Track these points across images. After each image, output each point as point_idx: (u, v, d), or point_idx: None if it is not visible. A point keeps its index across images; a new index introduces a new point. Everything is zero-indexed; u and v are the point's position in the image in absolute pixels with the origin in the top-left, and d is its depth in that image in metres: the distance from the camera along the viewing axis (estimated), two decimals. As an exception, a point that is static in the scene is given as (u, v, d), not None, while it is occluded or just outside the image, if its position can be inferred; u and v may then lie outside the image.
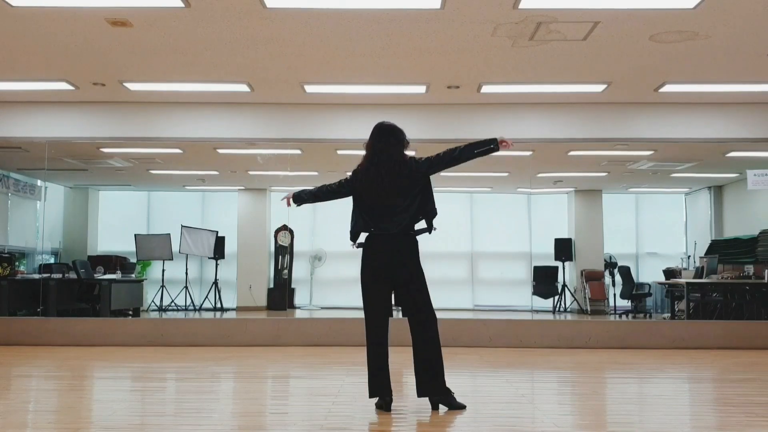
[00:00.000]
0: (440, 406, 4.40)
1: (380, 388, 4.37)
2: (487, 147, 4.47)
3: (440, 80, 7.59)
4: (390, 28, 6.02)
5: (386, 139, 4.51)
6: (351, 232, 4.56)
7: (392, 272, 4.43)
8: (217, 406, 4.82)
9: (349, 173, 4.64)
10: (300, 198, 4.69)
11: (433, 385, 4.37)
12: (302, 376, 6.28)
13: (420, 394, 4.40)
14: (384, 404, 4.34)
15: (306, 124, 8.66)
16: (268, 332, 8.59)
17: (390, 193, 4.42)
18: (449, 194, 13.78)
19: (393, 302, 4.60)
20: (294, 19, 5.84)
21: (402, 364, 6.20)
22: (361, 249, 4.53)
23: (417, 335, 4.41)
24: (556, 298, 13.36)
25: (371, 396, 4.40)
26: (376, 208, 4.45)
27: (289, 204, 4.70)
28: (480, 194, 14.58)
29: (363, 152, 4.65)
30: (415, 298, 4.42)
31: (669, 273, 12.30)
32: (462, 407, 4.37)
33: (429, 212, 4.48)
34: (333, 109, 8.64)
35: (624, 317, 12.53)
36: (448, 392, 4.39)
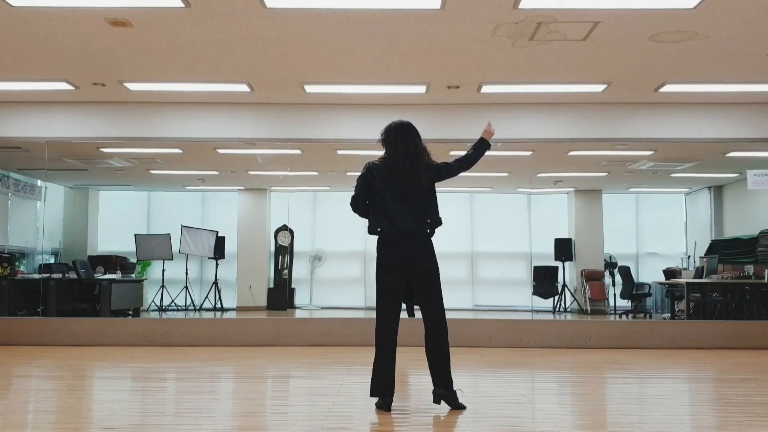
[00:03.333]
0: (442, 402, 4.41)
1: (383, 387, 4.37)
2: (484, 152, 4.73)
3: (440, 80, 7.59)
4: (390, 28, 6.02)
5: (415, 141, 4.53)
6: (369, 226, 4.56)
7: (410, 265, 4.43)
8: (217, 406, 4.83)
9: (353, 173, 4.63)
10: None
11: (439, 379, 4.41)
12: (302, 376, 6.28)
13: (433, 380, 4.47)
14: (384, 404, 4.34)
15: (306, 124, 8.66)
16: (268, 332, 8.59)
17: (413, 193, 4.45)
18: (449, 194, 13.77)
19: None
20: (294, 19, 5.84)
21: (403, 364, 6.19)
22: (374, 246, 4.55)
23: (432, 330, 4.44)
24: (556, 298, 13.36)
25: (372, 395, 4.40)
26: (396, 206, 4.45)
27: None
28: (480, 194, 14.58)
29: (363, 152, 4.65)
30: (430, 295, 4.45)
31: (669, 273, 12.30)
32: (462, 407, 4.37)
33: (434, 220, 4.51)
34: (333, 109, 8.64)
35: (624, 317, 12.53)
36: (453, 391, 4.40)
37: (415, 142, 4.53)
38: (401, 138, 4.52)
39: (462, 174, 4.70)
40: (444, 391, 4.40)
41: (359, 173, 4.58)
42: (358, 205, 4.58)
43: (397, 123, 4.60)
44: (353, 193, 4.59)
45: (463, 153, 4.73)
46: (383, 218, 4.48)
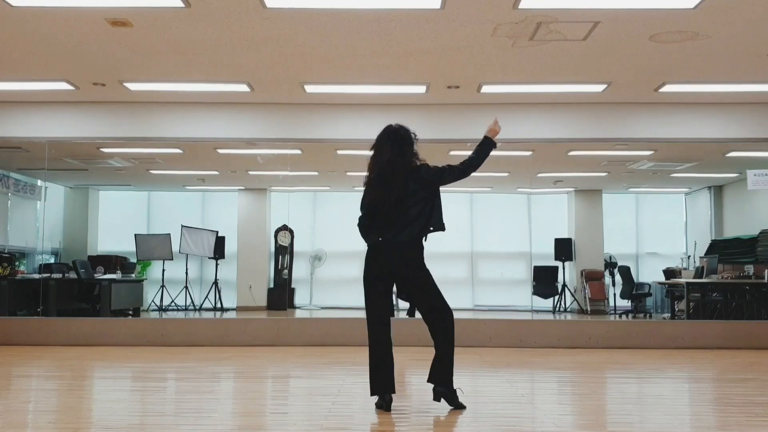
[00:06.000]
0: (442, 400, 4.41)
1: (382, 385, 4.37)
2: (489, 151, 4.59)
3: (440, 80, 7.59)
4: (390, 28, 6.02)
5: (399, 147, 4.45)
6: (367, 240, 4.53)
7: (396, 277, 4.44)
8: (217, 406, 4.82)
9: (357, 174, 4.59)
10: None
11: (439, 375, 4.40)
12: (302, 376, 6.28)
13: (429, 379, 4.45)
14: (384, 404, 4.34)
15: (306, 124, 8.66)
16: (268, 332, 8.59)
17: (401, 201, 4.39)
18: (449, 194, 13.73)
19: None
20: (294, 19, 5.84)
21: (403, 364, 6.20)
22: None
23: (435, 331, 4.44)
24: (556, 298, 13.36)
25: (373, 394, 4.40)
26: (386, 216, 4.42)
27: None
28: (480, 194, 14.58)
29: (363, 152, 4.62)
30: (429, 301, 4.44)
31: (669, 273, 12.30)
32: (462, 407, 4.37)
33: (436, 225, 4.47)
34: (333, 109, 8.64)
35: (624, 317, 12.53)
36: (453, 390, 4.40)
37: (394, 150, 4.42)
38: (382, 149, 4.46)
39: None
40: (444, 389, 4.40)
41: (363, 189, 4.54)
42: (364, 225, 4.51)
43: (380, 132, 4.53)
44: (359, 220, 4.54)
45: (463, 153, 4.67)
46: (381, 230, 4.44)
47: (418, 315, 4.58)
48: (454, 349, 4.44)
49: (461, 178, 4.55)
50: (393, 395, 4.39)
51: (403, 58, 6.80)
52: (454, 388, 4.41)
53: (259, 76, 7.53)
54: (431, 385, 4.47)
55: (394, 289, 4.62)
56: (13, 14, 5.74)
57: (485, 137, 4.62)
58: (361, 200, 4.55)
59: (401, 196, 4.38)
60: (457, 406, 4.37)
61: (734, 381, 5.98)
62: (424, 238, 4.48)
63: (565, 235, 14.01)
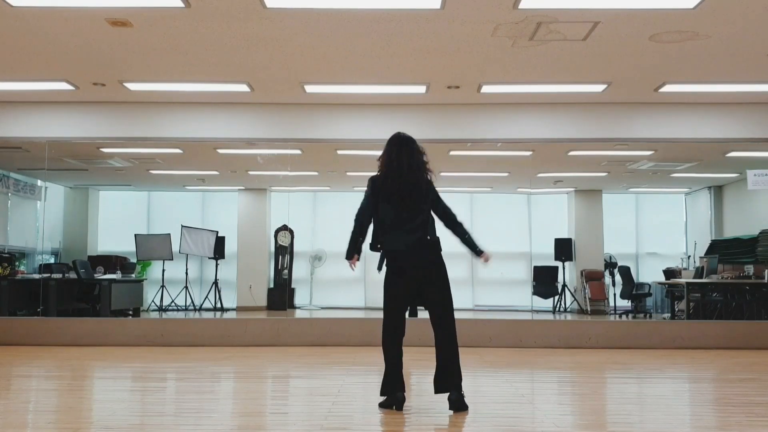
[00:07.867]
0: (442, 402, 4.40)
1: (394, 386, 4.38)
2: (473, 249, 4.69)
3: (440, 80, 7.59)
4: (390, 28, 6.02)
5: (418, 157, 4.51)
6: (371, 242, 4.57)
7: (417, 276, 4.45)
8: (217, 406, 4.83)
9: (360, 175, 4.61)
10: (354, 250, 4.59)
11: (448, 382, 4.39)
12: (302, 376, 6.28)
13: (436, 390, 4.44)
14: (396, 402, 4.34)
15: (306, 124, 8.65)
16: (268, 332, 8.59)
17: (412, 209, 4.45)
18: (449, 194, 13.74)
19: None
20: (294, 19, 5.84)
21: (406, 364, 6.19)
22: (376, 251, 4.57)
23: (438, 334, 4.45)
24: (556, 298, 13.36)
25: (383, 394, 4.41)
26: (395, 221, 4.45)
27: (355, 265, 4.64)
28: (480, 194, 14.58)
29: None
30: (439, 303, 4.46)
31: (669, 273, 12.31)
32: (464, 408, 4.36)
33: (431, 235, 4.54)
34: (333, 109, 8.64)
35: (624, 317, 12.53)
36: (460, 394, 4.39)
37: (420, 161, 4.50)
38: (405, 152, 4.50)
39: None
40: (458, 394, 4.35)
41: (366, 186, 4.56)
42: (365, 217, 4.54)
43: (399, 136, 4.58)
44: (360, 206, 4.56)
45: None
46: (386, 234, 4.47)
47: (422, 315, 4.58)
48: (458, 355, 4.44)
49: (444, 221, 4.61)
50: (404, 392, 4.40)
51: (403, 58, 6.80)
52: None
53: (259, 76, 7.53)
54: (432, 386, 4.46)
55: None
56: (13, 14, 5.74)
57: (479, 250, 4.69)
58: (365, 196, 4.55)
59: (412, 205, 4.43)
60: (458, 408, 4.36)
61: (734, 381, 5.98)
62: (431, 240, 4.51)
63: (565, 235, 14.01)
